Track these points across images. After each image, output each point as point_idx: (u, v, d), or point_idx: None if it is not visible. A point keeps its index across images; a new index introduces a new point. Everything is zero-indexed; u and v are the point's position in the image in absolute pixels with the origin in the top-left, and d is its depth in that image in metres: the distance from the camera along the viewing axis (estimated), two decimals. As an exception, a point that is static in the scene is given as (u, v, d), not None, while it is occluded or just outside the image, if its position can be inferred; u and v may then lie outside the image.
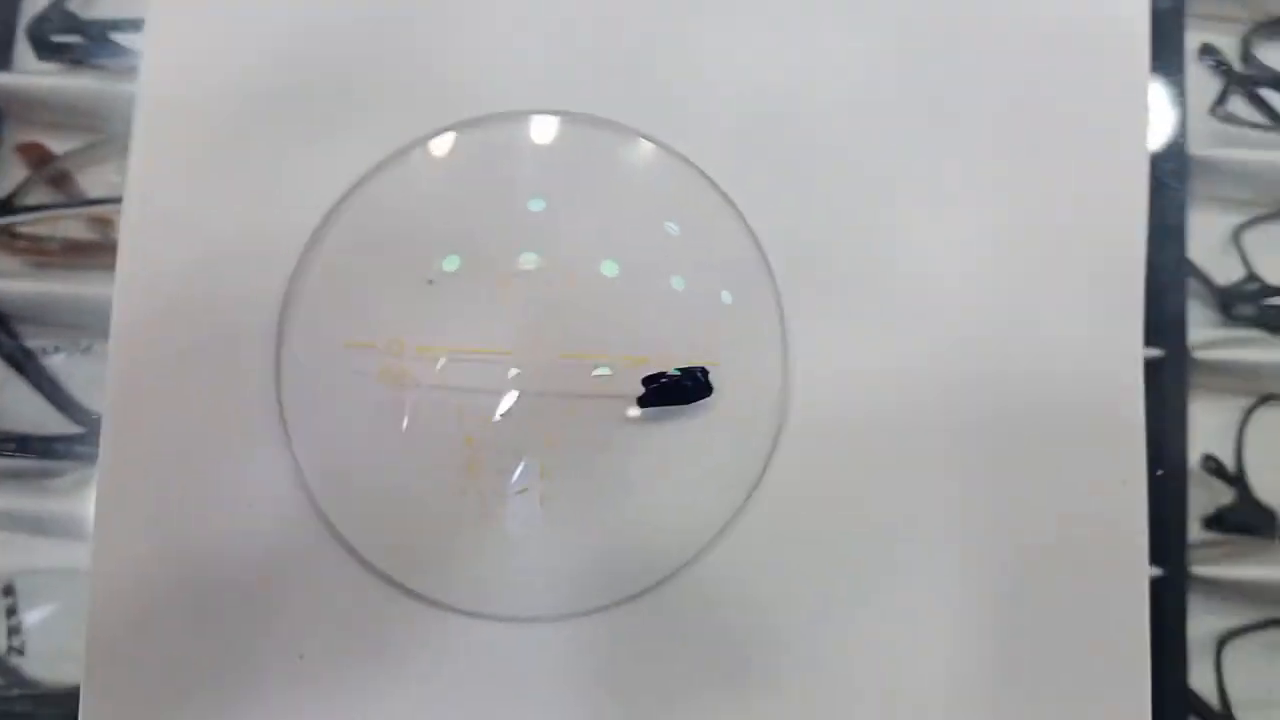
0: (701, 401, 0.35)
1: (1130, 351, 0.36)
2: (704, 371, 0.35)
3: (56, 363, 0.40)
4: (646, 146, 0.37)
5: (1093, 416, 0.36)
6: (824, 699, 0.35)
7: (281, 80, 0.38)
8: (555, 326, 0.36)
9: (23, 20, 0.41)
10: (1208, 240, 0.40)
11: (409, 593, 0.35)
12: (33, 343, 0.40)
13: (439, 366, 0.36)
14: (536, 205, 0.36)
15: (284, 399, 0.36)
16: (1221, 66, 0.41)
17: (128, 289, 0.37)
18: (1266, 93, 0.41)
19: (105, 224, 0.40)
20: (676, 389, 0.35)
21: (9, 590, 0.39)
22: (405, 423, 0.36)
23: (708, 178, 0.37)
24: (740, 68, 0.38)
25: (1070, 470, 0.36)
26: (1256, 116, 0.41)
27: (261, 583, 0.35)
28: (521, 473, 0.36)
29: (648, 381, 0.35)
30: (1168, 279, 0.39)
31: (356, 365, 0.35)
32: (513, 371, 0.36)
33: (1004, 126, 0.37)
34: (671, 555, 0.35)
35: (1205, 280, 0.40)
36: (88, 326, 0.39)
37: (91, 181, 0.41)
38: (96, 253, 0.40)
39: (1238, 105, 0.41)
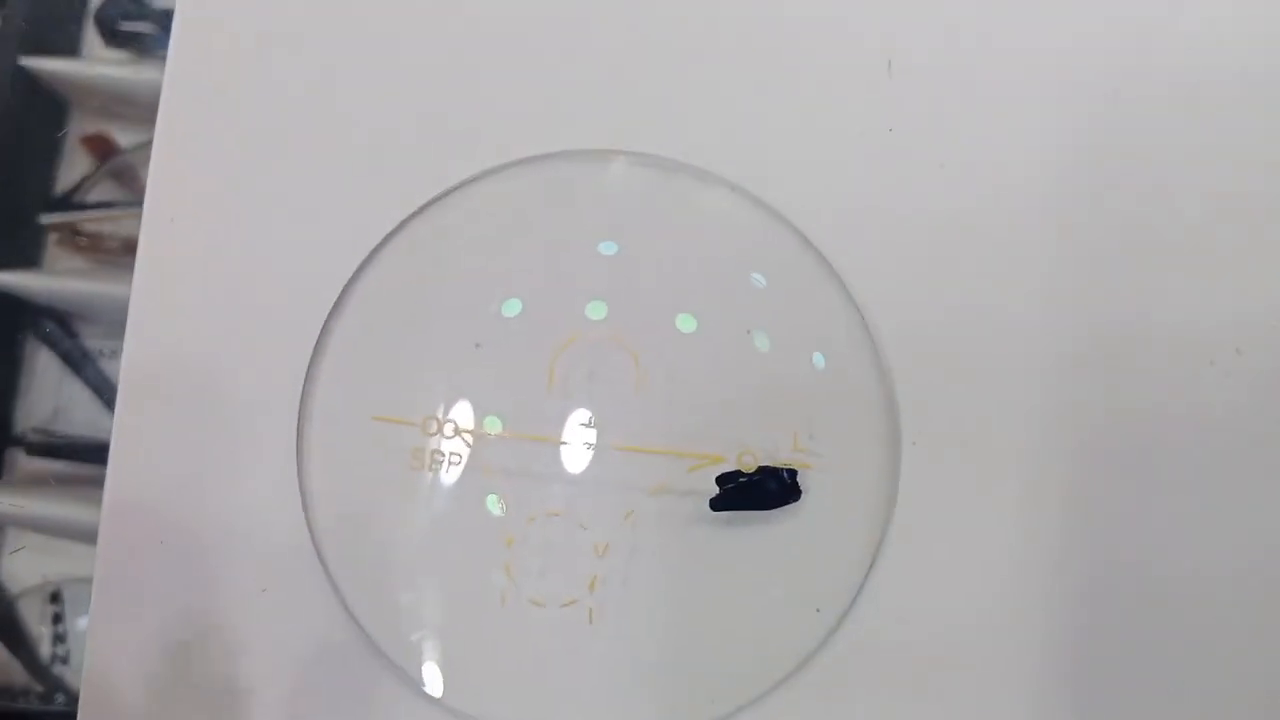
0: (786, 508, 0.30)
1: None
2: (792, 473, 0.30)
3: (114, 365, 0.38)
4: (728, 193, 0.32)
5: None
6: None
7: (315, 118, 0.33)
8: (617, 404, 0.31)
9: (92, 6, 0.40)
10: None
11: (443, 707, 0.31)
12: (92, 343, 0.39)
13: (477, 450, 0.31)
14: (608, 249, 0.31)
15: (306, 481, 0.32)
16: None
17: (137, 347, 0.33)
18: None
19: (167, 223, 0.38)
20: (757, 491, 0.30)
21: (55, 597, 0.38)
22: (437, 515, 0.31)
23: (802, 234, 0.32)
24: (841, 117, 0.33)
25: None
26: None
27: (277, 683, 0.32)
28: (568, 583, 0.31)
29: (723, 480, 0.31)
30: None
31: (386, 444, 0.32)
32: (564, 461, 0.31)
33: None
34: (737, 690, 0.30)
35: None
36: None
37: (157, 177, 0.40)
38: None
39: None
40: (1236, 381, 0.31)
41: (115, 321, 0.40)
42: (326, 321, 0.32)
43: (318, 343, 0.32)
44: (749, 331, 0.31)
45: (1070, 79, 0.32)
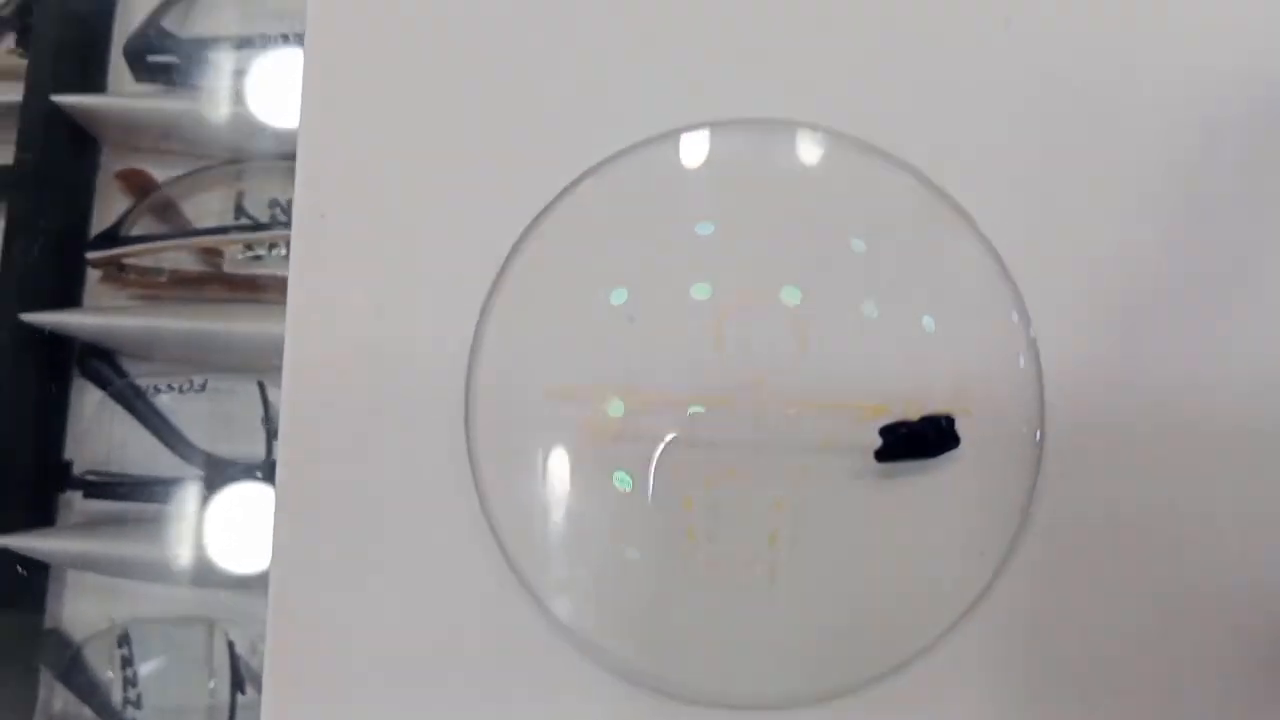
0: (948, 454, 0.32)
1: None
2: (949, 420, 0.31)
3: (167, 400, 0.38)
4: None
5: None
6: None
7: (454, 108, 0.34)
8: (780, 368, 0.32)
9: (118, 40, 0.39)
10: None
11: (627, 677, 0.32)
12: (143, 380, 0.38)
13: (651, 417, 0.33)
14: (704, 229, 0.33)
15: (476, 458, 0.32)
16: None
17: (299, 335, 0.33)
18: None
19: (215, 254, 0.38)
20: (918, 440, 0.32)
21: (123, 640, 0.37)
22: (615, 484, 0.33)
23: (926, 179, 0.33)
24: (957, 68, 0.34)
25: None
26: None
27: (453, 661, 0.32)
28: (749, 541, 0.33)
29: (885, 433, 0.32)
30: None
31: (558, 418, 0.32)
32: (736, 422, 0.33)
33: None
34: (913, 636, 0.31)
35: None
36: (200, 362, 0.38)
37: (197, 210, 0.39)
38: (207, 284, 0.38)
39: None
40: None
41: (161, 358, 0.40)
42: (485, 303, 0.32)
43: (478, 325, 0.32)
44: (858, 301, 0.32)
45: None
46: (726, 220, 0.33)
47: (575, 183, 0.33)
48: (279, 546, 0.33)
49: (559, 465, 0.32)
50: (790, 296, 0.33)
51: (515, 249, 0.33)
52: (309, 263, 0.34)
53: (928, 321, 0.32)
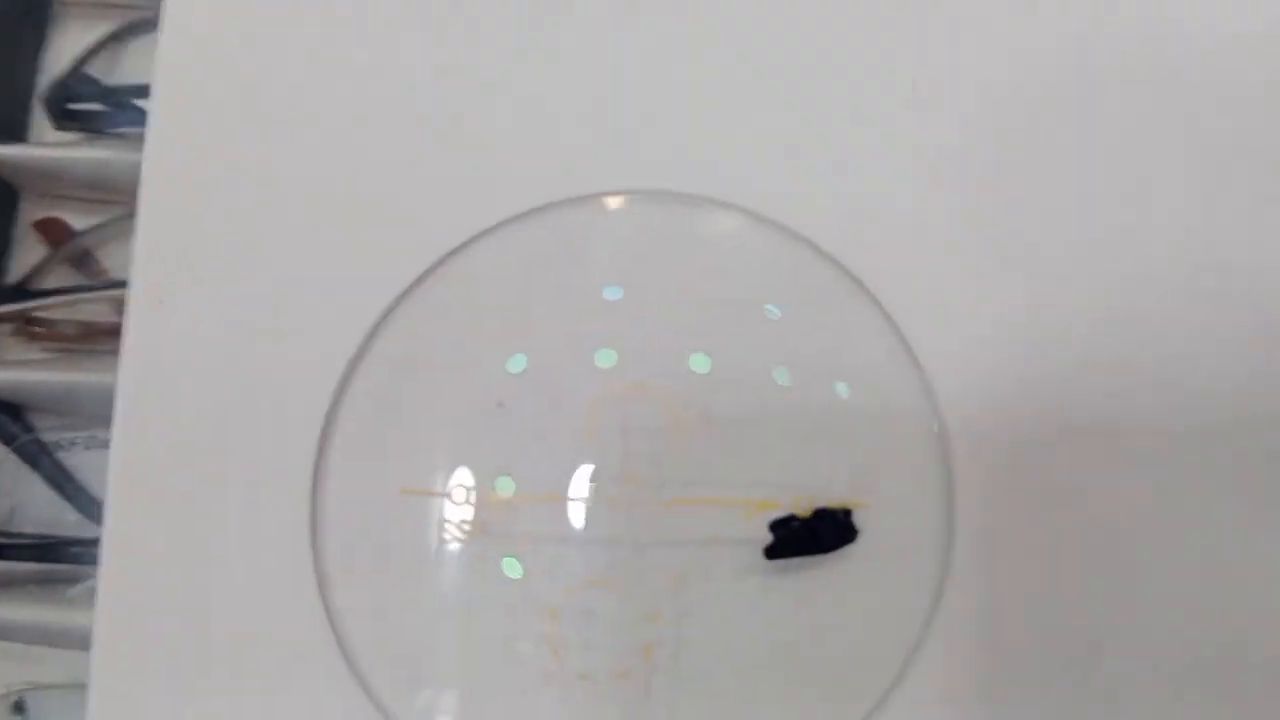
0: (844, 550, 0.30)
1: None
2: (846, 513, 0.30)
3: (76, 456, 0.37)
4: (737, 217, 0.31)
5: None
6: None
7: (303, 190, 0.31)
8: (656, 458, 0.30)
9: (40, 88, 0.39)
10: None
11: None
12: (50, 436, 0.37)
13: (507, 518, 0.30)
14: (612, 294, 0.31)
15: (321, 561, 0.30)
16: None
17: (126, 440, 0.31)
18: None
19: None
20: (813, 535, 0.30)
21: (19, 707, 0.36)
22: (470, 591, 0.30)
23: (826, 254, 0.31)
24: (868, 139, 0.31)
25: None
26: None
27: None
28: (620, 653, 0.31)
29: (776, 527, 0.30)
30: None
31: (409, 518, 0.30)
32: (607, 523, 0.31)
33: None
34: None
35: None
36: (109, 417, 0.36)
37: (115, 259, 0.39)
38: (120, 335, 0.37)
39: None
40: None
41: (74, 412, 0.39)
42: (335, 398, 0.30)
43: (326, 419, 0.30)
44: (769, 368, 0.30)
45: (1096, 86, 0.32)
46: (618, 297, 0.31)
47: (435, 266, 0.31)
48: (100, 648, 0.30)
49: (409, 570, 0.30)
50: (698, 364, 0.31)
51: (369, 338, 0.30)
52: (142, 352, 0.31)
53: (839, 389, 0.31)
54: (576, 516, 0.29)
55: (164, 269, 0.31)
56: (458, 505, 0.29)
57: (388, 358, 0.30)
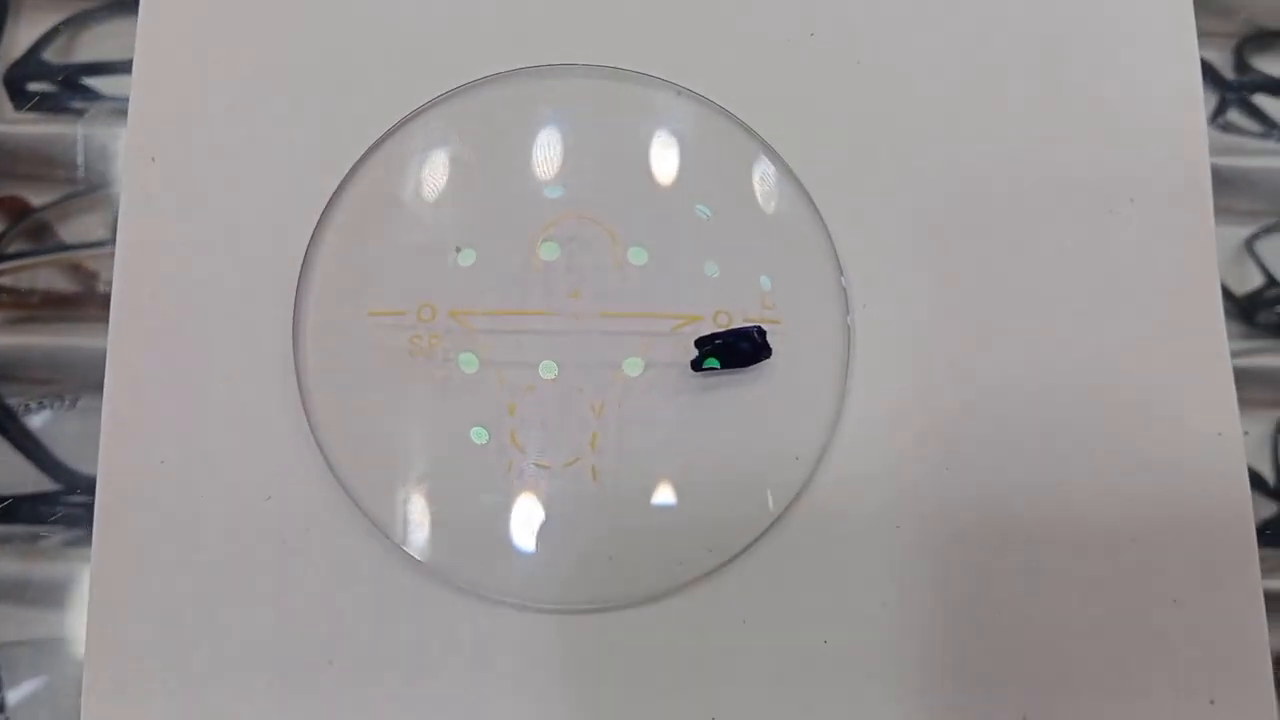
0: (760, 364, 0.33)
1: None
2: (761, 331, 0.33)
3: (39, 420, 0.38)
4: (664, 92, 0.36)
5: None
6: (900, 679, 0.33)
7: (292, 37, 0.37)
8: (599, 277, 0.34)
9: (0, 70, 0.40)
10: (1221, 252, 0.39)
11: (449, 584, 0.33)
12: (13, 400, 0.38)
13: (472, 331, 0.34)
14: (556, 140, 0.35)
15: (303, 378, 0.34)
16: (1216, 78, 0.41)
17: (128, 266, 0.35)
18: (1261, 100, 0.41)
19: (89, 275, 0.38)
20: (733, 351, 0.33)
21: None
22: (440, 395, 0.33)
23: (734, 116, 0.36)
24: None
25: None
26: (1253, 125, 0.41)
27: (285, 579, 0.33)
28: (570, 444, 0.33)
29: (700, 343, 0.33)
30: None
31: (383, 336, 0.33)
32: (555, 330, 0.34)
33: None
34: (733, 536, 0.33)
35: (1225, 291, 0.39)
36: (72, 380, 0.37)
37: (73, 233, 0.40)
38: (79, 304, 0.38)
39: (1235, 115, 0.41)
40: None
41: (40, 378, 0.40)
42: (313, 235, 0.34)
43: (306, 255, 0.34)
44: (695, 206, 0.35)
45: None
46: (549, 152, 0.35)
47: (406, 119, 0.35)
48: (106, 467, 0.34)
49: (383, 381, 0.34)
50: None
51: (345, 180, 0.35)
52: (137, 204, 0.35)
53: (753, 218, 0.35)
54: (526, 326, 0.34)
55: (154, 128, 0.35)
56: (419, 322, 0.33)
57: (357, 212, 0.35)
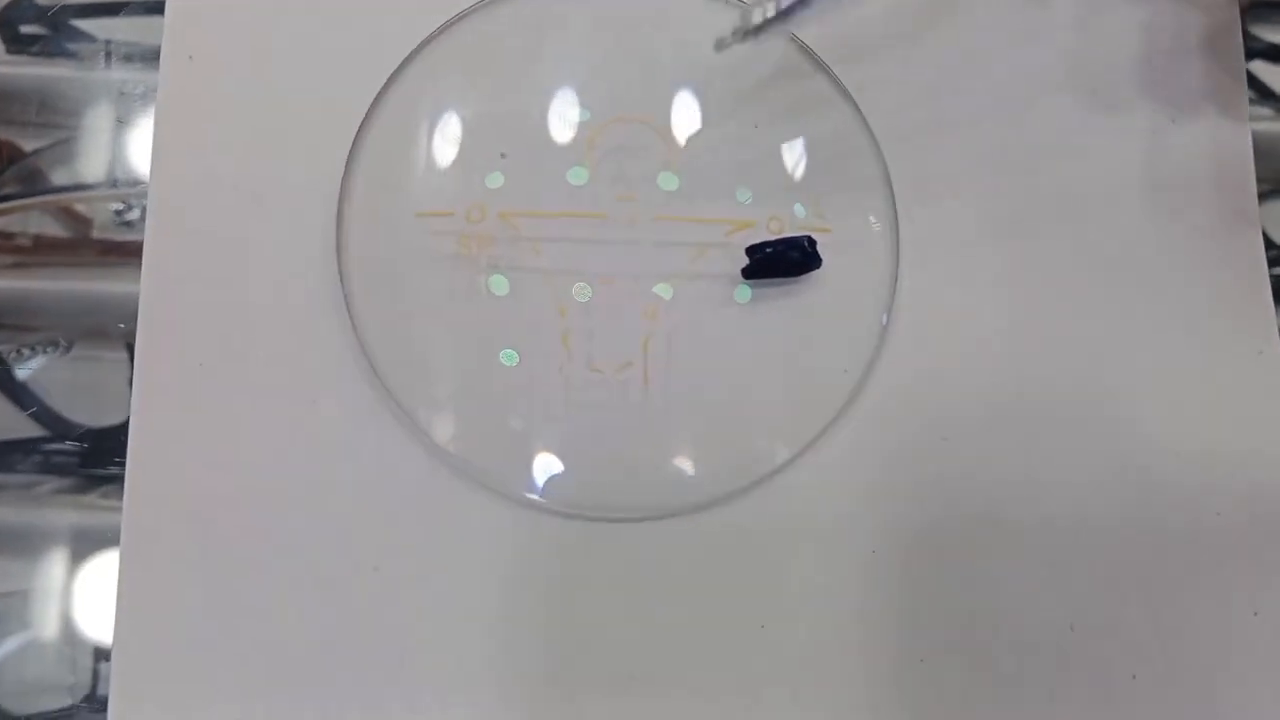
0: (810, 275, 0.33)
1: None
2: (811, 240, 0.33)
3: (29, 366, 0.37)
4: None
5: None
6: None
7: None
8: (646, 191, 0.33)
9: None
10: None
11: (496, 491, 0.32)
12: (4, 346, 0.37)
13: (523, 232, 0.33)
14: (605, 60, 0.34)
15: (347, 281, 0.32)
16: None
17: (165, 164, 0.34)
18: (1256, 67, 0.42)
19: (82, 220, 0.37)
20: (783, 260, 0.33)
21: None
22: (487, 299, 0.32)
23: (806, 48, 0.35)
24: None
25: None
26: (1250, 93, 0.41)
27: (328, 485, 0.32)
28: (623, 347, 0.33)
29: (751, 251, 0.33)
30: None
31: (431, 237, 0.32)
32: (609, 232, 0.33)
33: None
34: (781, 445, 0.33)
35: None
36: (65, 326, 0.37)
37: (64, 178, 0.39)
38: (71, 249, 0.37)
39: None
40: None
41: (32, 325, 0.39)
42: (357, 136, 0.33)
43: (349, 157, 0.33)
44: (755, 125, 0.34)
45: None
46: (598, 58, 0.34)
47: (455, 19, 0.34)
48: (142, 372, 0.32)
49: (429, 281, 0.33)
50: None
51: (387, 85, 0.33)
52: (175, 101, 0.34)
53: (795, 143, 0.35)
54: (581, 226, 0.33)
55: (192, 26, 0.34)
56: (468, 223, 0.32)
57: (403, 110, 0.34)
